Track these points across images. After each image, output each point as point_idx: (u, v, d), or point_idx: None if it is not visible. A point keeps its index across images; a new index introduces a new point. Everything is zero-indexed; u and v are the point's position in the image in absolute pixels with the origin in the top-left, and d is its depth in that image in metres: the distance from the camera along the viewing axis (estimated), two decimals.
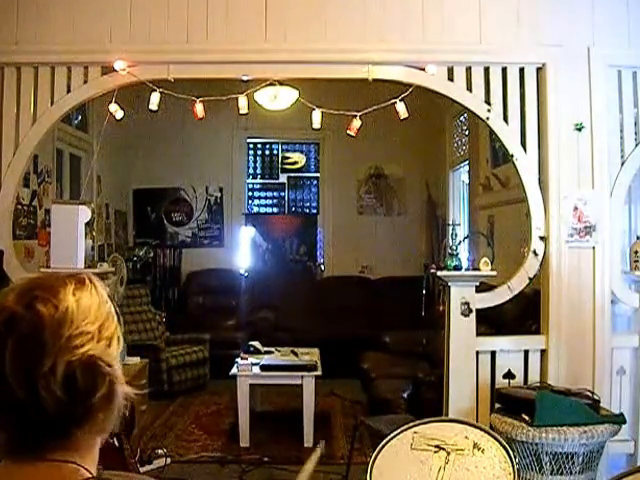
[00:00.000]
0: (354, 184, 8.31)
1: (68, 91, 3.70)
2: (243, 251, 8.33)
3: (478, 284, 3.68)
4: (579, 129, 3.60)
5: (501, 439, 2.47)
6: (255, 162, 8.64)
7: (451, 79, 3.65)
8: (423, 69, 3.64)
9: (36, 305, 0.83)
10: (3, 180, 3.66)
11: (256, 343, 5.55)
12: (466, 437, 2.48)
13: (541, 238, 3.65)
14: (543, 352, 3.66)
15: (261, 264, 8.33)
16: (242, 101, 3.80)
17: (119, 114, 3.82)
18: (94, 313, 0.87)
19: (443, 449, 2.43)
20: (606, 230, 3.60)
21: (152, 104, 3.76)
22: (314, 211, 8.61)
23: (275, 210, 8.71)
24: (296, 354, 5.33)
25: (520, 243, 3.96)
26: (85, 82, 3.69)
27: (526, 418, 3.11)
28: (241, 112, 3.84)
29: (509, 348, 3.68)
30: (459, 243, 3.94)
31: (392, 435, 2.53)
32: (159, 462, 4.13)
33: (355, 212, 8.34)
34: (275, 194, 8.69)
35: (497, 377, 3.63)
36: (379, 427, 3.55)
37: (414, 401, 4.71)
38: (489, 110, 3.66)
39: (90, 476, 0.85)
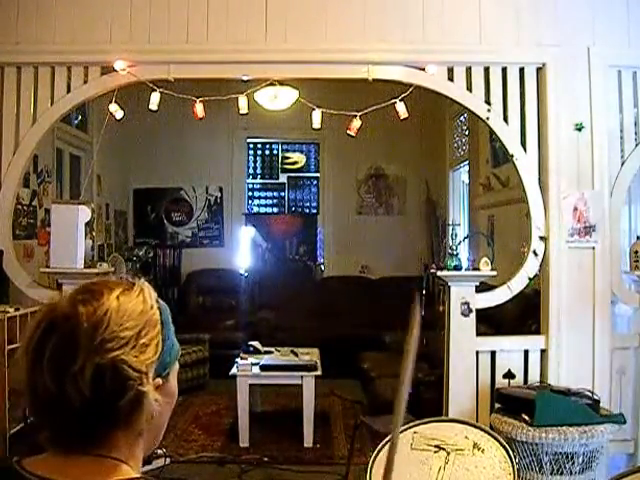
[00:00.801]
0: (354, 184, 8.31)
1: (68, 91, 3.70)
2: (243, 251, 8.33)
3: (478, 284, 3.68)
4: (579, 129, 3.60)
5: (501, 439, 2.48)
6: (255, 162, 8.64)
7: (451, 79, 3.66)
8: (423, 69, 3.64)
9: (78, 306, 0.88)
10: (3, 180, 3.66)
11: (256, 343, 5.54)
12: (466, 437, 2.48)
13: (541, 238, 3.65)
14: (543, 352, 3.66)
15: (261, 264, 8.32)
16: (242, 101, 3.80)
17: (119, 114, 3.82)
18: (134, 318, 0.90)
19: (443, 449, 2.43)
20: (606, 230, 3.60)
21: (152, 104, 3.76)
22: (314, 211, 8.61)
23: (275, 210, 8.71)
24: (296, 354, 5.32)
25: (520, 243, 3.96)
26: (85, 82, 3.69)
27: (526, 418, 3.12)
28: (241, 112, 3.85)
29: (509, 348, 3.68)
30: (459, 243, 3.94)
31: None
32: (159, 462, 4.12)
33: (355, 212, 8.34)
34: (275, 194, 8.69)
35: (497, 377, 3.63)
36: (379, 427, 3.55)
37: (414, 401, 4.69)
38: (489, 110, 3.66)
39: (135, 475, 0.89)
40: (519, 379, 3.63)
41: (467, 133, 7.09)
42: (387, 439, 2.52)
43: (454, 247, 3.73)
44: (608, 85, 3.62)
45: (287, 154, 8.64)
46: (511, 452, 2.38)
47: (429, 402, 4.28)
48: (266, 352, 5.40)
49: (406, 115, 3.74)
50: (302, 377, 4.70)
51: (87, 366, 0.84)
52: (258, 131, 8.19)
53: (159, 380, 0.92)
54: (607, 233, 3.61)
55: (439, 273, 3.66)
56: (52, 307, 0.89)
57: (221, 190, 8.33)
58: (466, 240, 5.96)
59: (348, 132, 3.85)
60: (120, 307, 0.89)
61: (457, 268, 3.64)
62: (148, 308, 0.92)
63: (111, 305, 0.89)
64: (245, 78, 3.71)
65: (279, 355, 5.36)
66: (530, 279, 3.67)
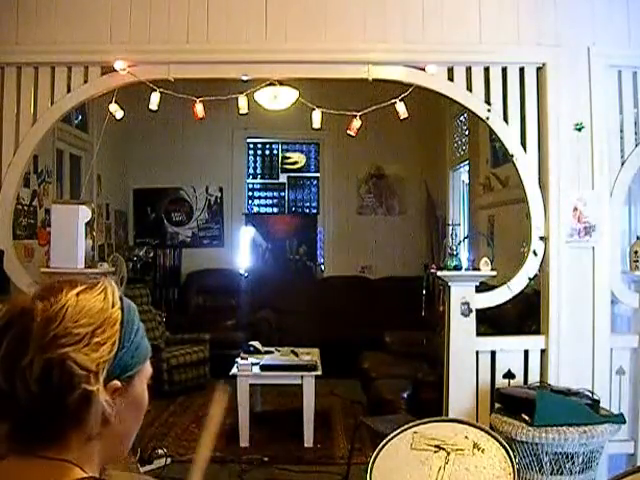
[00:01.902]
0: (354, 184, 8.31)
1: (68, 91, 3.70)
2: (243, 251, 8.33)
3: (478, 284, 3.68)
4: (579, 129, 3.60)
5: (501, 439, 2.48)
6: (255, 162, 8.64)
7: (451, 79, 3.65)
8: (423, 69, 3.64)
9: (35, 301, 0.87)
10: (3, 180, 3.66)
11: (256, 343, 5.55)
12: (466, 437, 2.48)
13: (541, 238, 3.65)
14: (543, 352, 3.66)
15: (261, 264, 8.33)
16: (242, 101, 3.80)
17: (119, 114, 3.82)
18: (91, 316, 0.88)
19: (443, 449, 2.43)
20: (606, 230, 3.60)
21: (152, 104, 3.76)
22: (314, 211, 8.61)
23: (275, 210, 8.71)
24: (296, 354, 5.32)
25: (520, 243, 3.96)
26: (85, 82, 3.69)
27: (526, 418, 3.12)
28: (241, 112, 3.85)
29: (509, 348, 3.68)
30: (459, 243, 3.94)
31: (392, 435, 2.53)
32: (159, 462, 4.13)
33: (355, 212, 8.34)
34: (275, 194, 8.69)
35: (497, 377, 3.63)
36: (379, 427, 3.55)
37: (414, 401, 4.70)
38: (489, 110, 3.66)
39: (86, 475, 0.86)
40: (519, 379, 3.63)
41: (467, 133, 7.09)
42: (387, 439, 2.52)
43: (454, 247, 3.73)
44: (608, 85, 3.62)
45: (287, 154, 8.64)
46: (511, 452, 2.38)
47: (429, 402, 4.29)
48: (266, 352, 5.40)
49: (406, 115, 3.74)
50: (302, 377, 4.70)
51: (36, 360, 0.83)
52: (258, 131, 8.20)
53: (116, 382, 0.89)
54: (607, 233, 3.61)
55: (439, 273, 3.66)
56: (13, 303, 0.89)
57: (221, 190, 8.33)
58: (466, 240, 5.96)
59: (348, 132, 3.85)
60: (78, 304, 0.88)
61: (457, 268, 3.64)
62: (108, 306, 0.90)
63: (68, 301, 0.87)
64: (245, 78, 3.71)
65: (279, 355, 5.36)
66: (530, 279, 3.67)
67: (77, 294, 0.89)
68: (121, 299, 0.94)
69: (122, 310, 0.92)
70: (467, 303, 3.61)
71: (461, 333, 3.63)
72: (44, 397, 0.83)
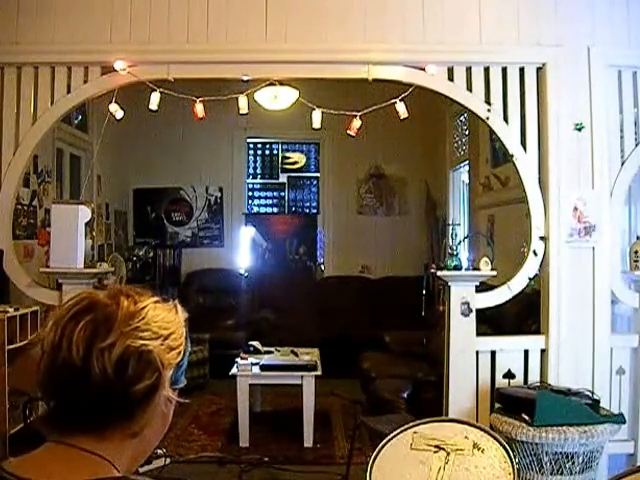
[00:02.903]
0: (354, 184, 8.31)
1: (68, 91, 3.70)
2: (243, 251, 8.33)
3: (478, 284, 3.68)
4: (579, 129, 3.60)
5: (501, 439, 2.48)
6: (255, 162, 8.63)
7: (451, 79, 3.66)
8: (423, 69, 3.64)
9: (120, 297, 0.93)
10: (3, 180, 3.66)
11: (256, 343, 5.54)
12: (466, 437, 2.48)
13: (541, 238, 3.65)
14: (543, 352, 3.66)
15: (261, 264, 8.32)
16: (242, 101, 3.80)
17: (119, 114, 3.82)
18: (167, 322, 0.95)
19: (443, 449, 2.43)
20: (606, 230, 3.60)
21: (152, 104, 3.76)
22: (314, 211, 8.61)
23: (275, 210, 8.70)
24: (296, 354, 5.32)
25: (520, 243, 3.96)
26: (85, 82, 3.69)
27: (526, 418, 3.12)
28: (241, 112, 3.85)
29: (509, 348, 3.68)
30: (459, 243, 3.94)
31: (392, 435, 2.53)
32: (159, 462, 4.12)
33: (355, 212, 8.34)
34: (275, 194, 8.69)
35: (497, 377, 3.63)
36: (379, 427, 3.55)
37: (414, 401, 4.70)
38: (489, 110, 3.66)
39: (118, 475, 0.88)
40: (519, 379, 3.63)
41: (467, 133, 7.09)
42: (387, 439, 2.52)
43: (454, 247, 3.73)
44: (608, 85, 3.62)
45: (287, 154, 8.64)
46: (511, 452, 2.38)
47: (429, 402, 4.29)
48: (266, 352, 5.40)
49: (406, 115, 3.74)
50: (302, 377, 4.70)
51: (117, 344, 0.87)
52: (258, 131, 8.19)
53: (171, 389, 0.94)
54: (607, 233, 3.61)
55: (439, 273, 3.66)
56: (94, 294, 0.94)
57: (221, 190, 8.33)
58: (466, 240, 5.96)
59: (348, 132, 3.85)
60: (156, 309, 0.95)
61: (457, 268, 3.64)
62: (180, 320, 0.98)
63: (149, 304, 0.94)
64: (245, 78, 3.71)
65: (279, 355, 5.36)
66: (530, 279, 3.67)
67: (155, 302, 0.96)
68: (184, 318, 1.00)
69: (185, 327, 0.99)
70: (467, 303, 3.61)
71: (461, 333, 3.63)
72: (116, 380, 0.87)
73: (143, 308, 0.93)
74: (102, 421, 0.88)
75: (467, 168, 7.15)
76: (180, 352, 0.95)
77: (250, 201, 8.62)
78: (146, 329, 0.91)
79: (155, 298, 0.97)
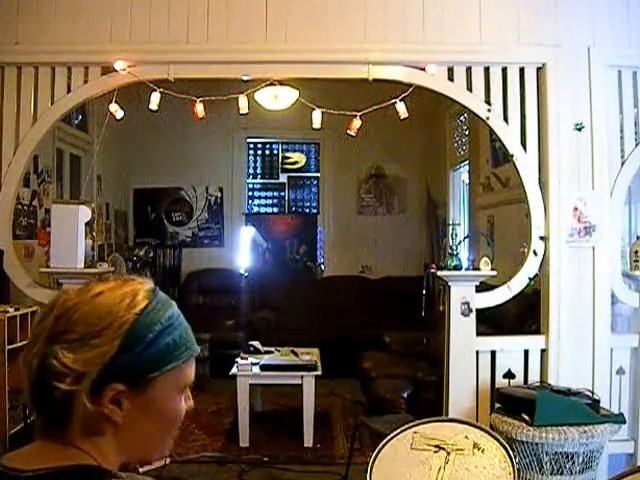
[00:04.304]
0: (354, 184, 8.31)
1: (68, 91, 3.70)
2: (243, 251, 8.33)
3: (478, 284, 3.68)
4: (579, 129, 3.60)
5: (501, 439, 2.48)
6: (255, 162, 8.63)
7: (451, 79, 3.66)
8: (423, 69, 3.64)
9: (64, 294, 0.94)
10: (3, 180, 3.66)
11: (256, 343, 5.54)
12: (466, 437, 2.48)
13: (541, 238, 3.65)
14: (543, 352, 3.66)
15: (261, 264, 8.32)
16: (242, 101, 3.80)
17: (119, 114, 3.82)
18: (98, 317, 0.90)
19: (443, 449, 2.43)
20: (606, 230, 3.60)
21: (152, 104, 3.76)
22: (314, 211, 8.60)
23: (275, 210, 8.70)
24: (296, 354, 5.32)
25: (520, 243, 3.96)
26: (85, 82, 3.69)
27: (526, 418, 3.12)
28: (241, 112, 3.84)
29: (509, 348, 3.68)
30: (459, 243, 3.94)
31: (392, 435, 2.53)
32: (159, 462, 4.13)
33: (355, 212, 8.34)
34: (275, 194, 8.69)
35: (497, 377, 3.63)
36: (379, 427, 3.55)
37: (414, 401, 4.70)
38: (489, 110, 3.66)
39: (94, 463, 0.89)
40: (519, 379, 3.63)
41: (467, 133, 7.09)
42: (387, 439, 2.52)
43: (454, 247, 3.73)
44: (608, 85, 3.62)
45: (287, 154, 8.64)
46: (511, 452, 2.38)
47: (429, 402, 4.29)
48: (266, 352, 5.40)
49: (406, 115, 3.74)
50: (302, 377, 4.70)
51: (38, 353, 0.89)
52: (258, 131, 8.19)
53: (118, 385, 0.89)
54: (607, 233, 3.61)
55: (439, 273, 3.66)
56: (60, 292, 0.98)
57: (221, 190, 8.33)
58: (466, 240, 5.95)
59: (348, 132, 3.85)
60: (91, 302, 0.91)
61: (457, 268, 3.64)
62: (120, 309, 0.91)
63: (83, 299, 0.91)
64: (245, 78, 3.71)
65: (279, 355, 5.36)
66: (530, 279, 3.67)
67: (98, 294, 0.92)
68: (149, 304, 0.93)
69: (140, 314, 0.91)
70: (467, 303, 3.61)
71: (461, 333, 3.63)
72: (40, 386, 0.89)
73: (74, 305, 0.90)
74: (60, 425, 0.90)
75: (467, 168, 7.15)
76: (112, 346, 0.88)
77: (250, 201, 8.62)
78: (66, 330, 0.88)
79: (106, 286, 0.93)
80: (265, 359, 5.09)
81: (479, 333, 3.67)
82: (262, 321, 7.34)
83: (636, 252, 3.66)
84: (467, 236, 6.35)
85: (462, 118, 7.14)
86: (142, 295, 0.94)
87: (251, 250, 8.32)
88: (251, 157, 8.60)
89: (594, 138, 3.60)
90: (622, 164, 3.63)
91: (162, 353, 0.93)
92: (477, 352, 3.64)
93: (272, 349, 5.50)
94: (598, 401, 3.25)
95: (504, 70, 3.67)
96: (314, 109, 3.84)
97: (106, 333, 0.88)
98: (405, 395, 4.79)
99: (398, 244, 7.99)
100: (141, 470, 3.74)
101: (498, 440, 2.45)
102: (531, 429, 3.05)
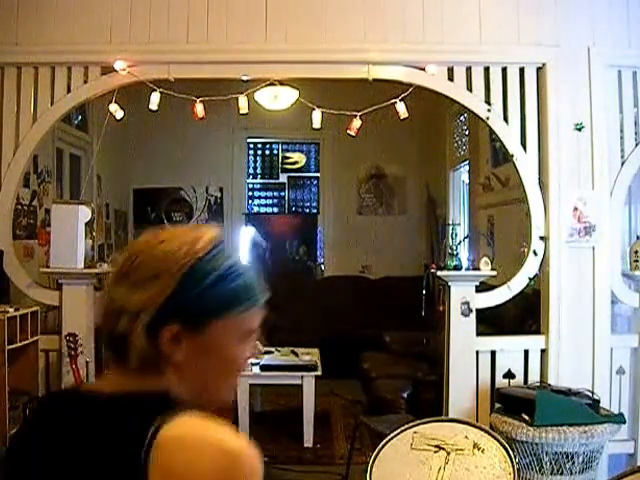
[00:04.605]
0: (354, 184, 8.31)
1: (68, 91, 3.70)
2: (243, 251, 8.33)
3: (478, 284, 3.68)
4: (579, 129, 3.60)
5: (501, 439, 2.48)
6: (255, 162, 8.63)
7: (451, 79, 3.66)
8: (423, 69, 3.64)
9: (141, 239, 0.99)
10: (3, 180, 3.66)
11: (256, 343, 5.54)
12: (466, 437, 2.49)
13: (541, 238, 3.65)
14: (543, 352, 3.66)
15: (261, 264, 8.32)
16: (242, 101, 3.80)
17: (119, 114, 3.82)
18: (158, 260, 0.94)
19: (443, 449, 2.43)
20: (606, 230, 3.60)
21: (152, 104, 3.76)
22: (314, 211, 8.60)
23: (275, 210, 8.70)
24: (296, 354, 5.32)
25: (520, 243, 3.96)
26: (85, 82, 3.69)
27: (526, 418, 3.12)
28: (241, 112, 3.85)
29: (509, 348, 3.68)
30: (459, 243, 3.94)
31: (392, 435, 2.54)
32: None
33: (355, 212, 8.33)
34: (275, 194, 8.69)
35: (497, 377, 3.63)
36: (379, 427, 3.55)
37: (414, 401, 4.70)
38: (489, 110, 3.66)
39: (164, 389, 0.93)
40: (519, 379, 3.63)
41: (467, 133, 7.09)
42: (387, 439, 2.52)
43: (454, 247, 3.73)
44: (608, 85, 3.62)
45: (287, 154, 8.64)
46: (511, 452, 2.39)
47: (429, 402, 4.29)
48: (266, 352, 5.39)
49: (406, 115, 3.74)
50: (302, 377, 4.70)
51: (107, 292, 0.96)
52: (258, 131, 8.19)
53: (174, 326, 0.92)
54: (607, 233, 3.61)
55: (439, 273, 3.66)
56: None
57: (221, 190, 8.32)
58: (466, 240, 5.95)
59: (348, 132, 3.85)
60: (155, 248, 0.95)
61: (457, 268, 3.64)
62: (179, 256, 0.94)
63: (150, 243, 0.96)
64: (245, 78, 3.71)
65: (279, 355, 5.35)
66: (530, 279, 3.67)
67: (163, 240, 0.96)
68: (210, 251, 0.96)
69: (199, 259, 0.95)
70: (467, 303, 3.61)
71: (461, 333, 3.63)
72: (105, 325, 0.96)
73: (142, 249, 0.96)
74: (118, 363, 0.96)
75: (467, 168, 7.14)
76: (168, 287, 0.92)
77: (250, 201, 8.62)
78: (130, 271, 0.94)
79: (173, 233, 0.98)
80: (265, 359, 5.09)
81: (479, 333, 3.67)
82: (262, 321, 7.33)
83: (636, 252, 3.65)
84: (467, 236, 6.35)
85: (462, 118, 7.14)
86: (204, 242, 0.97)
87: (251, 250, 8.32)
88: (251, 157, 8.60)
89: (594, 138, 3.60)
90: (622, 164, 3.63)
91: (219, 299, 0.96)
92: (477, 352, 3.64)
93: (272, 349, 5.50)
94: (598, 401, 3.25)
95: (504, 70, 3.67)
96: (314, 109, 3.84)
97: (164, 275, 0.93)
98: (405, 395, 4.79)
99: (398, 244, 7.99)
100: None
101: (498, 440, 2.45)
102: (531, 429, 3.05)
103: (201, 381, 0.99)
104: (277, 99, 4.03)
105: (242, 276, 1.01)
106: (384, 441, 2.50)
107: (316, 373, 4.76)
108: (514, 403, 3.27)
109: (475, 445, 2.44)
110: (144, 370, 0.94)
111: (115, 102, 3.78)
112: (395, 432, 2.54)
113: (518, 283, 3.67)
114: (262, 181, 8.67)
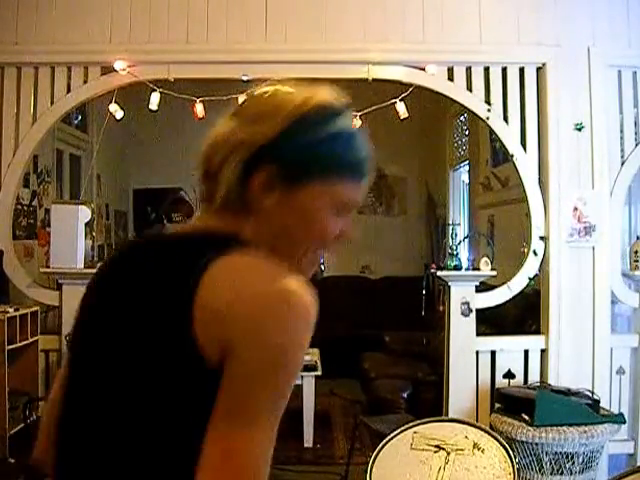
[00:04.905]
0: None
1: (68, 91, 3.70)
2: None
3: (478, 284, 3.68)
4: (579, 129, 3.60)
5: (501, 439, 2.48)
6: None
7: (451, 79, 3.66)
8: (423, 69, 3.64)
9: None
10: (3, 180, 3.66)
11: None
12: (466, 437, 2.48)
13: (541, 238, 3.65)
14: (543, 352, 3.66)
15: None
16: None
17: (119, 114, 3.83)
18: (274, 104, 0.94)
19: (443, 449, 2.43)
20: (606, 230, 3.60)
21: (152, 104, 3.76)
22: None
23: None
24: None
25: (520, 243, 3.96)
26: (85, 82, 3.69)
27: (526, 418, 3.12)
28: None
29: (509, 348, 3.68)
30: (459, 243, 3.94)
31: (392, 435, 2.53)
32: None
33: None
34: None
35: (497, 377, 3.63)
36: (379, 427, 3.55)
37: (414, 401, 4.70)
38: (489, 110, 3.66)
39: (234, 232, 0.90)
40: (519, 379, 3.63)
41: (467, 133, 7.09)
42: (387, 439, 2.52)
43: (454, 247, 3.73)
44: (608, 85, 3.62)
45: None
46: (511, 452, 2.38)
47: (429, 402, 4.29)
48: None
49: (406, 115, 3.74)
50: (302, 377, 4.70)
51: (217, 127, 1.00)
52: None
53: (272, 170, 0.89)
54: (607, 233, 3.61)
55: (439, 273, 3.66)
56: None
57: None
58: (466, 240, 5.96)
59: None
60: (275, 92, 0.97)
61: (457, 268, 3.64)
62: (298, 100, 0.95)
63: (269, 90, 0.98)
64: (245, 78, 3.71)
65: None
66: (530, 279, 3.67)
67: (282, 90, 0.98)
68: (327, 106, 0.96)
69: (313, 110, 0.93)
70: (467, 303, 3.61)
71: (461, 333, 3.63)
72: (206, 158, 1.01)
73: (265, 92, 0.97)
74: (210, 198, 0.96)
75: (467, 168, 7.14)
76: (277, 124, 0.90)
77: None
78: (246, 109, 0.95)
79: (298, 86, 0.99)
80: None
81: (479, 333, 3.67)
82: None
83: (636, 252, 3.65)
84: (467, 236, 6.35)
85: (462, 118, 7.13)
86: (323, 97, 0.97)
87: None
88: None
89: (594, 138, 3.60)
90: (622, 164, 3.63)
91: (325, 158, 0.92)
92: (477, 352, 3.64)
93: None
94: (598, 401, 3.25)
95: (504, 70, 3.67)
96: None
97: (276, 115, 0.91)
98: (405, 395, 4.79)
99: (398, 244, 7.99)
100: None
101: (498, 440, 2.45)
102: (531, 429, 3.05)
103: (279, 237, 0.93)
104: None
105: (356, 144, 0.98)
106: (384, 441, 2.50)
107: (316, 373, 4.76)
108: (514, 403, 3.27)
109: (475, 445, 2.44)
110: (225, 211, 0.91)
111: (115, 102, 3.78)
112: (395, 432, 2.54)
113: (518, 283, 3.67)
114: None
